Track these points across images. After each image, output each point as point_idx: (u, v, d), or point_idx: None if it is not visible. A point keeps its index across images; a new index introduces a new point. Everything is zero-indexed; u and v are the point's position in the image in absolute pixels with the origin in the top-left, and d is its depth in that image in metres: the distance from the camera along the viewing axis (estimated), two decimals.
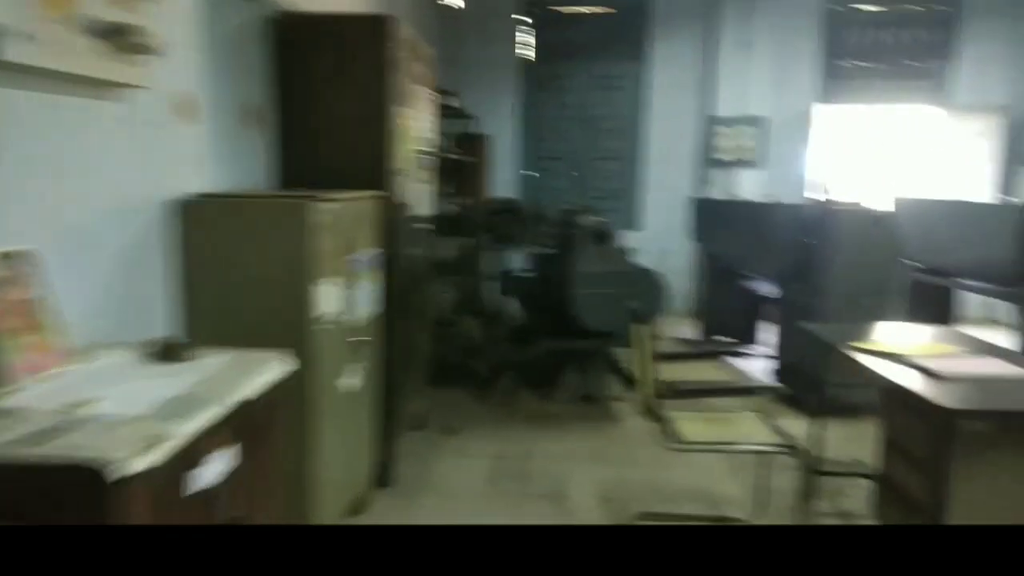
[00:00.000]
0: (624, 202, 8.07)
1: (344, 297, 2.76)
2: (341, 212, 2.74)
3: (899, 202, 6.39)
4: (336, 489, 2.81)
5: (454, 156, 6.25)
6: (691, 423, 2.94)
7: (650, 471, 3.75)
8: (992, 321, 7.08)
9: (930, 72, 7.61)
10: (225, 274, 2.52)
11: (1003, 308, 6.32)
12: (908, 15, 7.61)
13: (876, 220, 4.84)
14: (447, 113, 6.13)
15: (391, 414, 3.47)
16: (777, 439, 2.88)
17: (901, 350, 2.75)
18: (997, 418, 2.14)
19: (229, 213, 2.54)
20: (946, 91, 7.58)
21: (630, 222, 7.93)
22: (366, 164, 3.33)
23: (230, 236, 2.52)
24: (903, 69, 7.66)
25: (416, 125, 3.82)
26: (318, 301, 2.53)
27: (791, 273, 5.12)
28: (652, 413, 2.89)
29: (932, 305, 6.44)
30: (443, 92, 5.60)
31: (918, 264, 6.35)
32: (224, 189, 2.89)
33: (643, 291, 4.35)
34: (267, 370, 1.94)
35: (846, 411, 4.33)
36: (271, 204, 2.56)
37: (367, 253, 3.03)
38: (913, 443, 2.51)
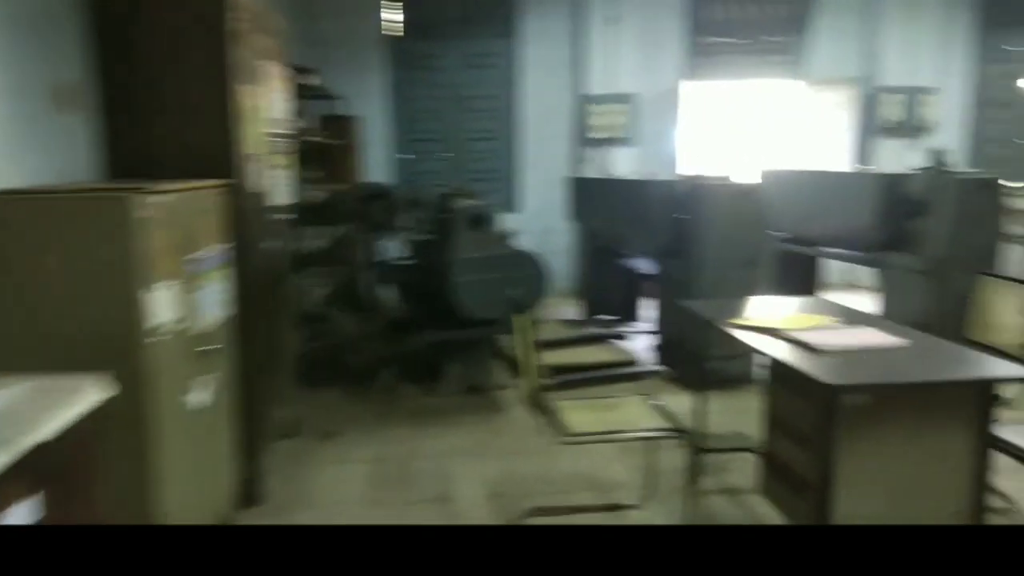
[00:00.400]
0: (502, 183, 7.92)
1: (185, 302, 2.43)
2: (177, 205, 2.39)
3: (765, 174, 6.58)
4: (191, 517, 2.49)
5: (318, 139, 5.86)
6: (577, 412, 2.81)
7: (539, 462, 3.62)
8: (853, 285, 7.47)
9: (789, 47, 7.89)
10: (29, 286, 2.13)
11: (864, 272, 6.65)
12: None
13: (743, 193, 4.92)
14: (308, 93, 5.73)
15: (255, 425, 3.15)
16: (664, 422, 2.81)
17: (778, 325, 2.72)
18: (879, 391, 2.12)
19: (32, 213, 2.15)
20: (804, 65, 7.88)
21: (509, 203, 7.80)
22: (209, 150, 2.97)
23: (35, 240, 2.13)
24: (763, 45, 7.90)
25: (268, 105, 3.46)
26: (152, 309, 2.19)
27: (667, 249, 5.13)
28: (537, 406, 2.74)
29: (798, 273, 6.70)
30: (300, 70, 5.21)
31: (784, 234, 6.59)
32: (32, 184, 2.47)
33: (524, 276, 4.21)
34: (77, 400, 1.62)
35: (726, 383, 4.38)
36: (85, 200, 2.19)
37: (213, 250, 2.70)
38: (797, 420, 2.49)
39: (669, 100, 7.68)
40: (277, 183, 3.63)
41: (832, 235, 6.05)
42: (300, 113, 5.40)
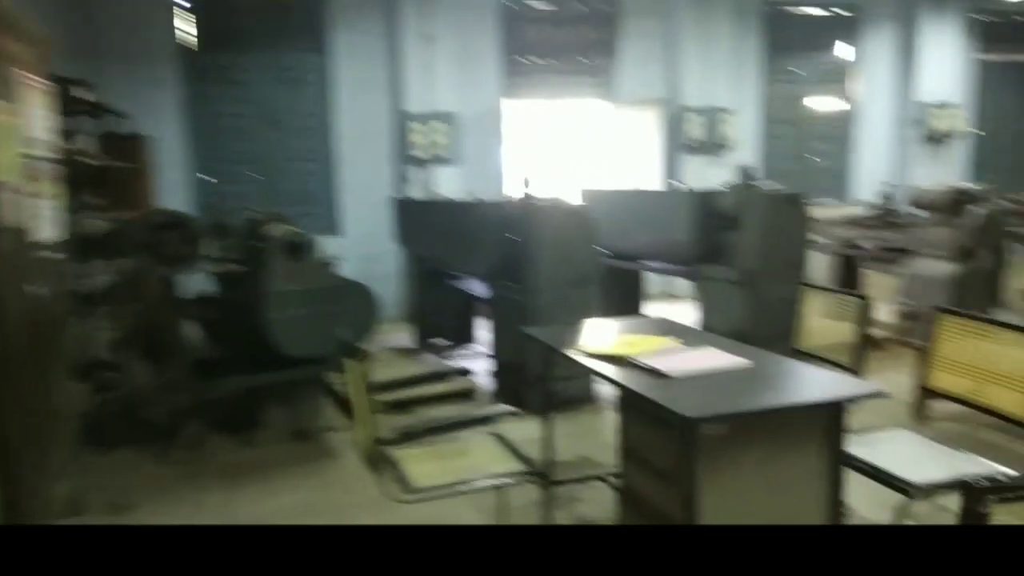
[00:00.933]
0: (322, 206, 7.45)
1: None
2: None
3: (586, 194, 6.68)
4: None
5: (95, 161, 5.10)
6: (422, 463, 2.52)
7: (382, 515, 3.27)
8: (671, 296, 7.79)
9: (599, 69, 8.13)
10: None
11: (682, 284, 6.90)
12: (576, 14, 8.03)
13: (573, 213, 4.88)
14: (82, 109, 4.98)
15: (17, 509, 2.55)
16: (514, 461, 2.59)
17: (625, 350, 2.61)
18: (737, 420, 2.03)
19: None
20: (615, 86, 8.15)
21: (331, 227, 7.35)
22: None
23: None
24: (576, 66, 8.08)
25: (24, 124, 2.86)
26: None
27: (498, 271, 4.98)
28: (374, 461, 2.42)
29: (623, 288, 6.88)
30: (70, 82, 4.50)
31: (608, 251, 6.72)
32: None
33: (352, 308, 3.85)
34: None
35: (568, 404, 4.28)
36: None
37: None
38: (653, 452, 2.36)
39: (491, 119, 7.62)
40: (41, 214, 3.02)
41: (651, 250, 6.24)
42: (71, 132, 4.66)
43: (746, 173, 5.14)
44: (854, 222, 6.51)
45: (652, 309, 7.19)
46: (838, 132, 9.12)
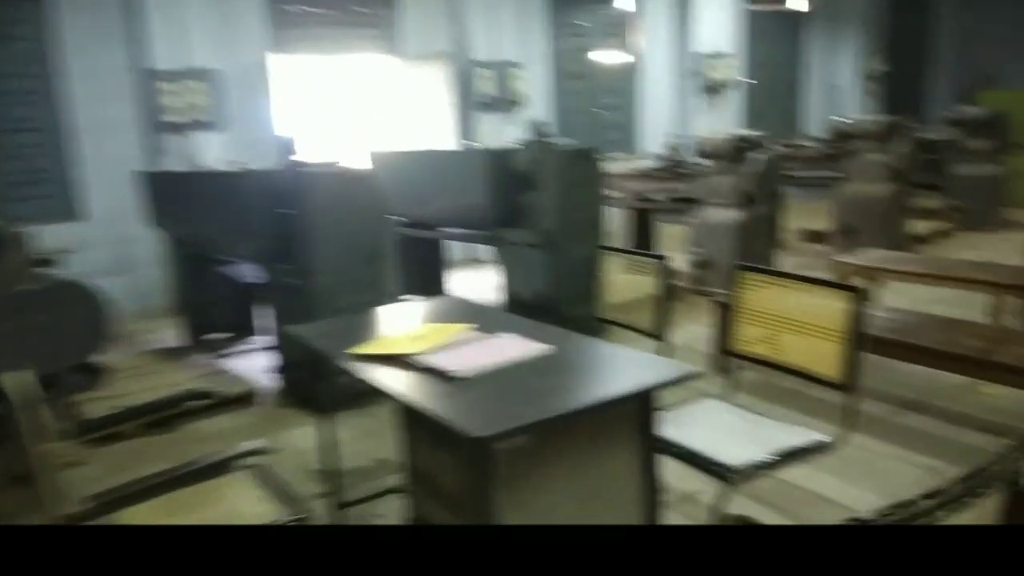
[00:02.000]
0: (54, 185, 6.22)
1: None
2: None
3: (375, 156, 6.11)
4: None
5: None
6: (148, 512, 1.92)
7: None
8: (476, 261, 7.47)
9: (379, 20, 7.49)
10: None
11: (485, 248, 6.59)
12: None
13: (355, 179, 4.33)
14: None
15: None
16: (279, 504, 2.07)
17: (409, 347, 2.17)
18: (534, 431, 1.66)
19: None
20: (397, 40, 7.56)
21: (68, 210, 6.17)
22: None
23: None
24: (353, 16, 7.37)
25: None
26: None
27: (274, 252, 4.33)
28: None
29: (423, 259, 6.44)
30: None
31: (401, 219, 6.22)
32: None
33: (68, 317, 3.06)
34: None
35: (357, 399, 3.80)
36: None
37: None
38: (443, 477, 1.95)
39: (257, 75, 6.73)
40: None
41: (448, 215, 5.83)
42: None
43: (538, 129, 4.85)
44: (644, 175, 6.52)
45: (456, 278, 6.83)
46: (624, 85, 9.20)
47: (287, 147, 4.52)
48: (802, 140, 7.96)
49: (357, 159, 5.46)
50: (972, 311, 4.87)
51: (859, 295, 2.14)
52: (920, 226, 7.31)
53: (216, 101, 6.41)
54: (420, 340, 2.26)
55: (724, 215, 5.82)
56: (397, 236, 6.21)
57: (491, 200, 5.07)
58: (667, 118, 9.32)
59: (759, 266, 2.54)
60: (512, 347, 2.14)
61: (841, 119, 7.11)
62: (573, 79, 8.76)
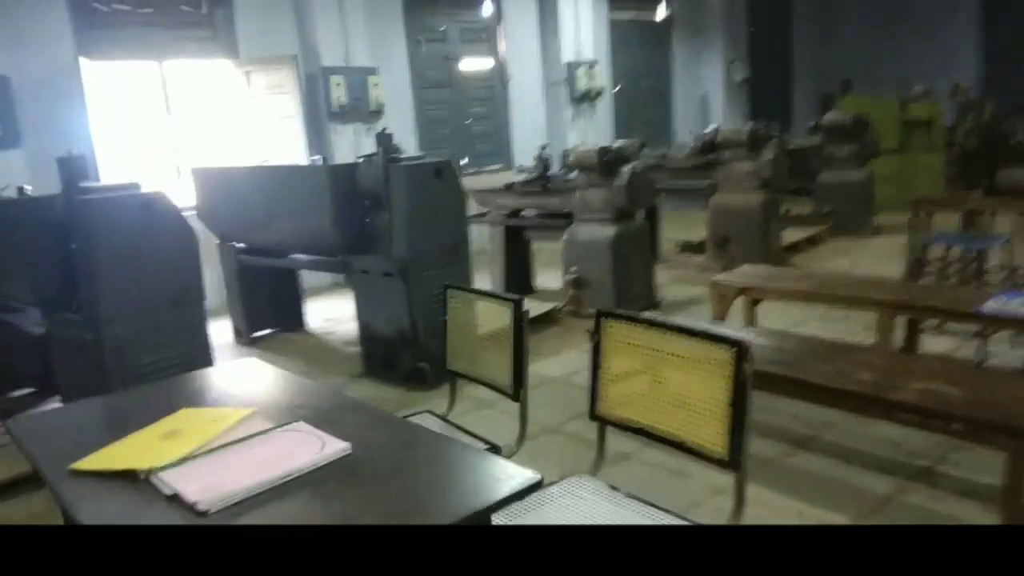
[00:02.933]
0: None
1: None
2: None
3: (197, 174, 5.32)
4: None
5: None
6: None
7: None
8: (339, 286, 6.77)
9: (212, 21, 6.66)
10: None
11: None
12: None
13: (154, 205, 3.57)
14: None
15: None
16: None
17: (155, 456, 1.53)
18: None
19: None
20: (233, 42, 6.75)
21: None
22: None
23: None
24: (180, 16, 6.51)
25: None
26: None
27: (60, 297, 3.53)
28: None
29: (275, 289, 5.68)
30: None
31: (241, 246, 5.46)
32: None
33: None
34: None
35: None
36: None
37: None
38: None
39: (62, 85, 5.76)
40: None
41: (292, 240, 5.14)
42: None
43: (383, 142, 4.26)
44: (515, 189, 6.06)
45: (314, 307, 6.13)
46: (493, 94, 8.76)
47: (76, 168, 3.70)
48: (674, 149, 7.78)
49: (171, 180, 4.68)
50: (852, 325, 4.73)
51: (741, 351, 1.69)
52: (791, 234, 7.25)
53: (6, 114, 5.40)
54: (182, 437, 1.63)
55: (597, 231, 5.43)
56: (237, 266, 5.46)
57: (337, 223, 4.43)
58: (538, 128, 8.95)
59: (625, 313, 2.06)
60: (292, 450, 1.54)
61: (706, 130, 6.94)
62: (437, 88, 8.22)
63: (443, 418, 2.57)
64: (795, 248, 7.22)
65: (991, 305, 3.11)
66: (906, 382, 2.62)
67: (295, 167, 5.78)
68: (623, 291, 5.39)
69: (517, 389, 2.27)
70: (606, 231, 5.37)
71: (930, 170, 8.76)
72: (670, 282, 6.47)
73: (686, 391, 1.82)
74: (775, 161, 6.52)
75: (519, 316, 2.28)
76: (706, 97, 10.90)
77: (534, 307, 5.59)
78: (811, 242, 7.48)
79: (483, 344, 2.45)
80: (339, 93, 6.93)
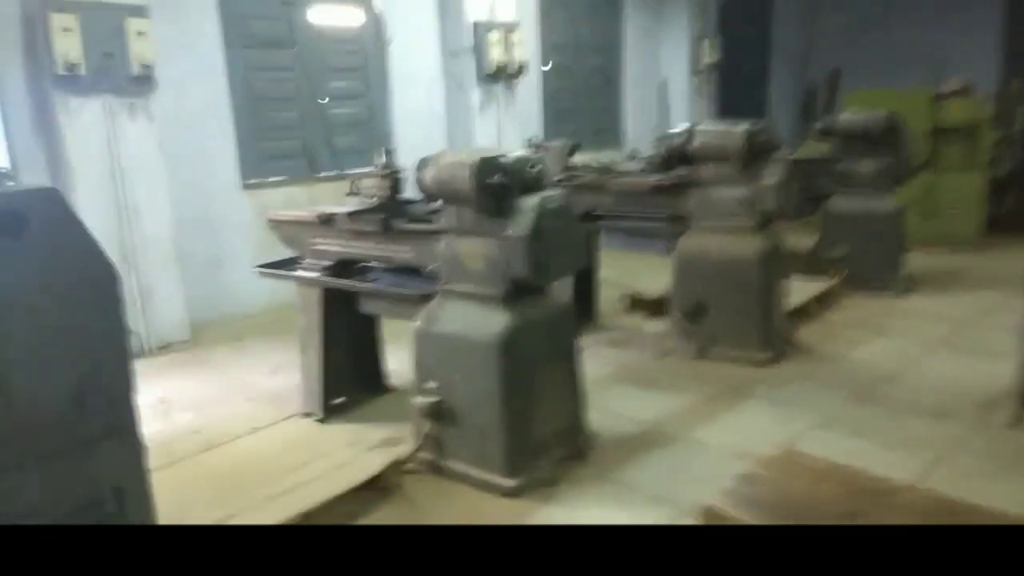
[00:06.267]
0: None
1: None
2: None
3: None
4: None
5: None
6: None
7: None
8: None
9: None
10: None
11: None
12: None
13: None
14: None
15: None
16: None
17: None
18: None
19: None
20: None
21: None
22: None
23: None
24: None
25: None
26: None
27: None
28: None
29: None
30: None
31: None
32: None
33: None
34: None
35: None
36: None
37: None
38: None
39: None
40: None
41: None
42: None
43: None
44: (340, 225, 3.40)
45: None
46: (365, 63, 6.03)
47: None
48: (625, 158, 5.25)
49: None
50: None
51: None
52: (796, 288, 4.75)
53: None
54: None
55: (476, 319, 2.83)
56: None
57: None
58: (434, 116, 6.30)
59: None
60: None
61: (674, 130, 4.37)
62: (271, 48, 5.45)
63: None
64: (803, 312, 4.77)
65: None
66: None
67: None
68: (522, 429, 2.82)
69: None
70: (493, 321, 2.77)
71: (968, 197, 6.43)
72: (610, 380, 3.92)
73: None
74: (783, 186, 4.01)
75: None
76: (666, 84, 8.37)
77: (354, 459, 2.98)
78: (820, 302, 5.02)
79: None
80: (68, 45, 4.11)
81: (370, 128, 6.04)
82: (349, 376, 3.68)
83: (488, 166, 2.71)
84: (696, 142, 4.14)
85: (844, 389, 3.73)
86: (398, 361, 3.82)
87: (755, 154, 4.02)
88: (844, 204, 5.37)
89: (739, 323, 4.09)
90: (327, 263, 3.49)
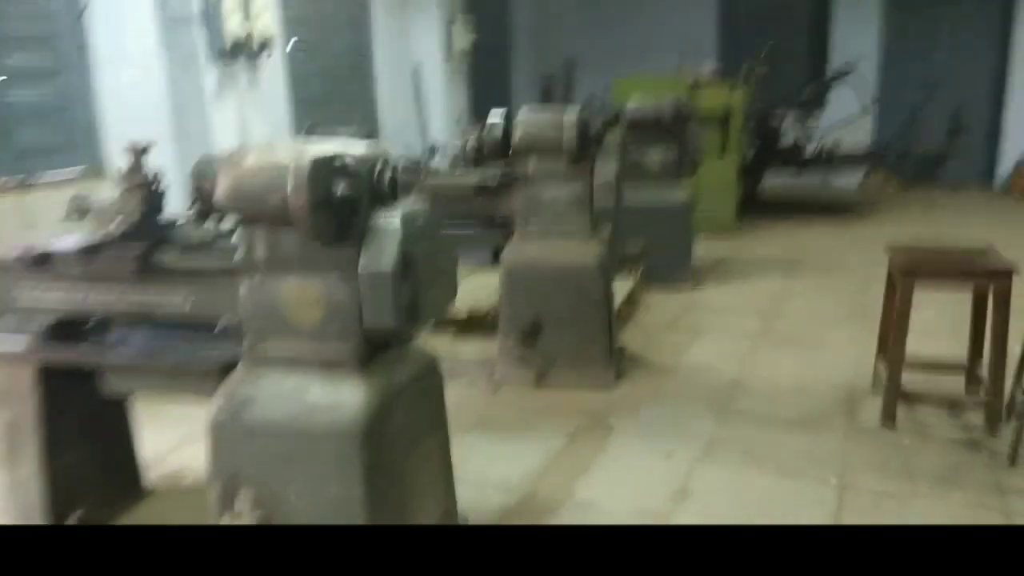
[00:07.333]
0: None
1: None
2: None
3: None
4: None
5: None
6: None
7: None
8: None
9: None
10: None
11: None
12: None
13: None
14: None
15: None
16: None
17: None
18: None
19: None
20: None
21: None
22: None
23: None
24: None
25: None
26: None
27: None
28: None
29: None
30: None
31: None
32: None
33: None
34: None
35: None
36: None
37: None
38: None
39: None
40: None
41: None
42: None
43: None
44: (61, 268, 2.23)
45: None
46: (57, 33, 4.49)
47: None
48: (438, 157, 4.50)
49: None
50: None
51: None
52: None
53: None
54: None
55: (313, 394, 1.94)
56: None
57: None
58: (157, 102, 4.94)
59: None
60: None
61: (492, 119, 3.73)
62: None
63: None
64: (618, 316, 4.44)
65: None
66: None
67: None
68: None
69: None
70: (344, 396, 1.91)
71: (725, 184, 6.70)
72: (453, 429, 3.18)
73: None
74: (619, 182, 3.60)
75: None
76: (420, 69, 7.68)
77: None
78: (628, 303, 4.77)
79: None
80: None
81: (65, 118, 4.53)
82: (91, 479, 2.51)
83: (325, 171, 1.82)
84: (518, 133, 3.54)
85: (700, 405, 3.42)
86: (158, 442, 2.74)
87: (586, 146, 3.54)
88: (634, 196, 5.17)
89: (579, 341, 3.61)
90: (41, 324, 2.28)
